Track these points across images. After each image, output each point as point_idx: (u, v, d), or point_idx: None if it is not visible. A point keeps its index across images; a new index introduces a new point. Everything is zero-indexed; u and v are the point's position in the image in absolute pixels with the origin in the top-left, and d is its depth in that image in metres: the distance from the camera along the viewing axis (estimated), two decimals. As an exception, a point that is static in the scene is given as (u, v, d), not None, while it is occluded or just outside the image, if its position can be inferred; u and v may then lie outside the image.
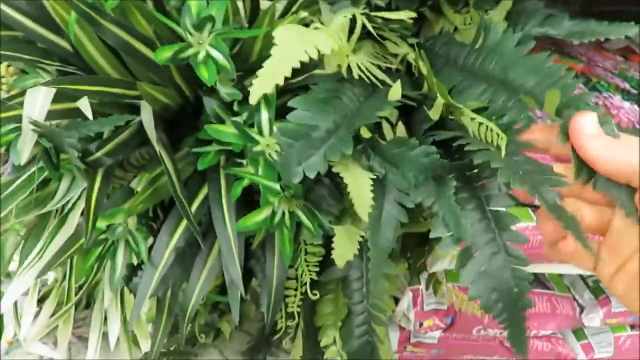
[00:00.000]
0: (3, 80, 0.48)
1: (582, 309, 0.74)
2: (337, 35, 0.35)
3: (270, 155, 0.36)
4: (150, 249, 0.40)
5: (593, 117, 0.29)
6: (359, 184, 0.36)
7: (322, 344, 0.45)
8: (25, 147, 0.35)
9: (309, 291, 0.42)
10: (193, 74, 0.42)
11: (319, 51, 0.33)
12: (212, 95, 0.43)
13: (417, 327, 0.64)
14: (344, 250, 0.38)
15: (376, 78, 0.38)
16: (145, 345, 0.51)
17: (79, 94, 0.36)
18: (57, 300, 0.55)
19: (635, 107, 0.52)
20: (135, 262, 0.41)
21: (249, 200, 0.41)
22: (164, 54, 0.32)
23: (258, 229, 0.39)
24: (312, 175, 0.33)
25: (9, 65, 0.49)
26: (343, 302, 0.45)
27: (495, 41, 0.38)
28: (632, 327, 0.77)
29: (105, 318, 0.54)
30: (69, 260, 0.54)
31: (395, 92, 0.35)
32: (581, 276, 0.77)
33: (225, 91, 0.38)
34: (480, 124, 0.31)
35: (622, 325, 0.75)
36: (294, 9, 0.38)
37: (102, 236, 0.40)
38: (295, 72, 0.35)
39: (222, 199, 0.40)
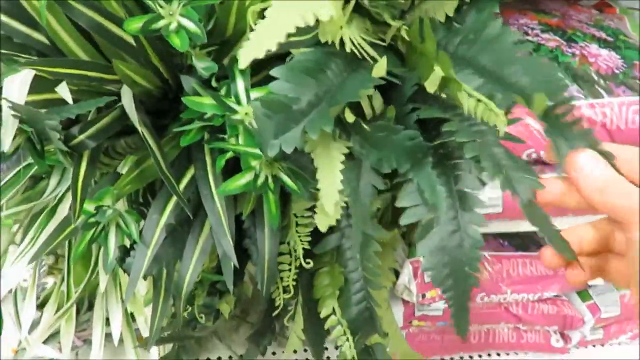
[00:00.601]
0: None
1: (584, 270, 0.74)
2: (335, 3, 0.35)
3: (250, 123, 0.36)
4: (141, 231, 0.41)
5: (589, 155, 0.29)
6: (330, 169, 0.36)
7: (322, 315, 0.46)
8: (7, 134, 0.35)
9: (302, 261, 0.43)
10: (170, 54, 0.43)
11: (316, 18, 0.32)
12: (190, 75, 0.43)
13: (420, 299, 0.64)
14: (326, 215, 0.38)
15: (367, 54, 0.38)
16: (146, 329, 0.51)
17: (58, 77, 0.36)
18: (57, 303, 0.55)
19: (613, 53, 0.53)
20: (128, 244, 0.41)
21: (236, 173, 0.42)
22: (134, 25, 0.32)
23: (243, 193, 0.39)
24: (289, 150, 0.32)
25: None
26: (339, 271, 0.45)
27: (493, 35, 0.38)
28: (637, 283, 0.77)
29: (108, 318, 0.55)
30: (66, 264, 0.54)
31: (380, 68, 0.35)
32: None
33: (202, 65, 0.38)
34: (478, 101, 0.32)
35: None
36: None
37: (92, 219, 0.40)
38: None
39: (209, 175, 0.40)
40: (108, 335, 0.56)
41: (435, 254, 0.32)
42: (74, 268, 0.54)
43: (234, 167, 0.40)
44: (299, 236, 0.43)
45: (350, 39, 0.37)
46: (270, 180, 0.37)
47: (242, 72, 0.35)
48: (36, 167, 0.47)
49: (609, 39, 0.55)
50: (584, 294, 0.77)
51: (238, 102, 0.36)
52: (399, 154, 0.34)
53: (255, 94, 0.37)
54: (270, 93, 0.33)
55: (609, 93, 0.50)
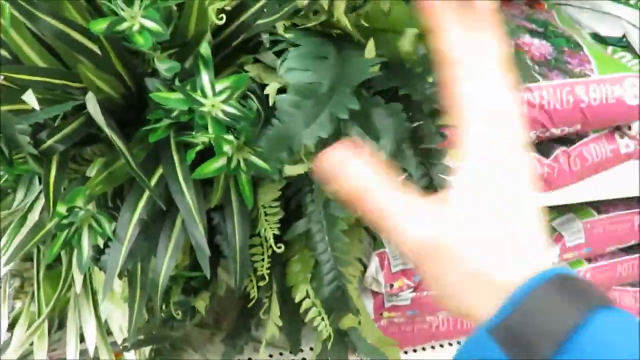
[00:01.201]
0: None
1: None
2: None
3: (216, 114, 0.39)
4: (114, 229, 0.42)
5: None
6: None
7: (296, 300, 0.48)
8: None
9: (273, 246, 0.45)
10: (132, 60, 0.45)
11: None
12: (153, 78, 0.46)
13: (388, 289, 0.67)
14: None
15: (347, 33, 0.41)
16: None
17: (24, 84, 0.38)
18: (28, 322, 0.55)
19: (544, 42, 0.58)
20: (101, 244, 0.43)
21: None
22: (99, 26, 0.35)
23: (211, 189, 0.42)
24: (325, 135, 0.34)
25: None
26: (309, 256, 0.48)
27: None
28: (589, 260, 0.83)
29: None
30: (35, 282, 0.55)
31: (370, 49, 0.39)
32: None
33: (164, 67, 0.41)
34: None
35: (579, 259, 0.81)
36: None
37: (65, 221, 0.41)
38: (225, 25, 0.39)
39: (177, 170, 0.42)
40: (82, 353, 0.56)
41: None
42: (43, 286, 0.54)
43: (200, 162, 0.43)
44: (268, 224, 0.45)
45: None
46: (242, 163, 0.39)
47: (205, 65, 0.38)
48: (1, 181, 0.48)
49: (539, 29, 0.60)
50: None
51: (204, 95, 0.38)
52: (396, 138, 0.38)
53: (220, 85, 0.39)
54: (238, 82, 0.36)
55: (544, 77, 0.56)
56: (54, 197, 0.38)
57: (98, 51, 0.42)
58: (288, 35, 0.40)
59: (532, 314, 0.25)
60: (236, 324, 0.58)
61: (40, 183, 0.49)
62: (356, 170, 0.29)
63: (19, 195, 0.49)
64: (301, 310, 0.48)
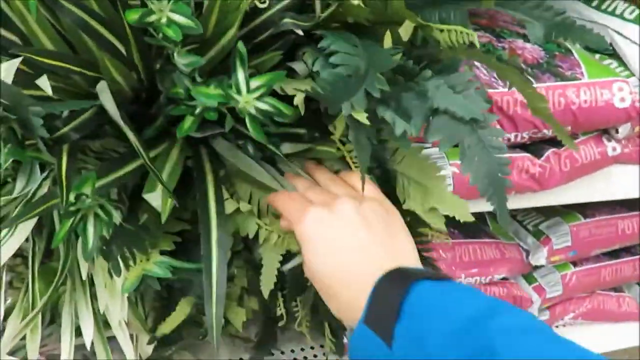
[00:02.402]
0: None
1: (527, 254, 0.85)
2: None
3: (249, 111, 0.43)
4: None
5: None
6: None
7: None
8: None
9: None
10: (149, 54, 0.48)
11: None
12: (167, 77, 0.49)
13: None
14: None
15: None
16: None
17: (44, 67, 0.41)
18: (21, 315, 0.57)
19: (536, 46, 0.65)
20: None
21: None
22: (132, 15, 0.38)
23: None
24: (362, 109, 0.42)
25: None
26: None
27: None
28: (574, 264, 0.89)
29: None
30: (30, 275, 0.57)
31: (388, 40, 0.45)
32: (521, 224, 0.89)
33: (184, 62, 0.45)
34: (449, 31, 0.42)
35: (565, 263, 0.88)
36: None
37: (72, 208, 0.44)
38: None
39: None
40: (76, 348, 0.58)
41: (475, 169, 0.42)
42: (37, 280, 0.57)
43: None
44: None
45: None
46: None
47: (242, 62, 0.42)
48: (3, 167, 0.50)
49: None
50: (529, 277, 0.88)
51: (238, 92, 0.43)
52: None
53: (255, 82, 0.43)
54: (273, 79, 0.41)
55: (537, 80, 0.61)
56: (67, 183, 0.41)
57: (116, 42, 0.46)
58: (320, 32, 0.45)
59: (380, 300, 0.40)
60: (262, 331, 0.62)
61: (42, 172, 0.52)
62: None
63: (19, 183, 0.52)
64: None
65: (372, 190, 0.49)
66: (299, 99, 0.48)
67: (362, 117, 0.42)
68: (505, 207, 0.42)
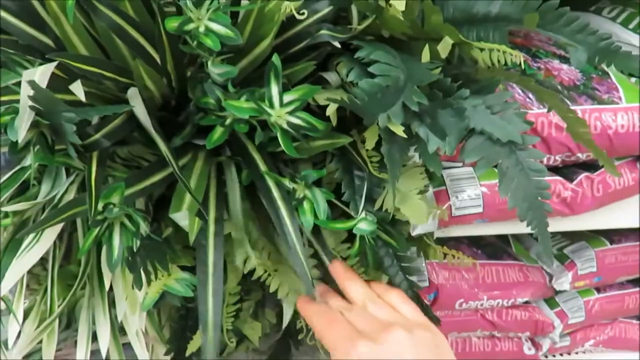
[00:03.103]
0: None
1: (551, 278, 0.83)
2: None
3: (281, 126, 0.43)
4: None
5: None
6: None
7: None
8: (22, 124, 0.39)
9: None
10: (182, 62, 0.48)
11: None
12: (198, 86, 0.49)
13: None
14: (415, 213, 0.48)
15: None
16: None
17: (79, 72, 0.41)
18: (38, 319, 0.57)
19: (572, 67, 0.63)
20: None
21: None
22: (172, 23, 0.38)
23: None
24: (399, 122, 0.41)
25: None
26: (374, 274, 0.52)
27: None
28: (598, 290, 0.87)
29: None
30: (49, 279, 0.56)
31: (426, 54, 0.45)
32: (546, 247, 0.87)
33: (218, 71, 0.44)
34: (491, 50, 0.41)
35: (589, 288, 0.86)
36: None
37: (99, 217, 0.44)
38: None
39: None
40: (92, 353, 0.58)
41: (514, 192, 0.41)
42: (57, 284, 0.56)
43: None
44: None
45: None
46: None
47: (276, 76, 0.41)
48: (28, 172, 0.50)
49: (567, 55, 0.65)
50: (551, 301, 0.86)
51: (271, 105, 0.42)
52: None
53: (288, 97, 0.43)
54: (307, 94, 0.40)
55: (573, 102, 0.60)
56: (96, 192, 0.41)
57: (150, 49, 0.45)
58: (356, 42, 0.44)
59: None
60: (277, 344, 0.61)
61: (67, 176, 0.51)
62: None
63: (45, 187, 0.52)
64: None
65: (414, 312, 0.47)
66: (331, 110, 0.47)
67: (399, 130, 0.41)
68: (546, 232, 0.41)
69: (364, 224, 0.48)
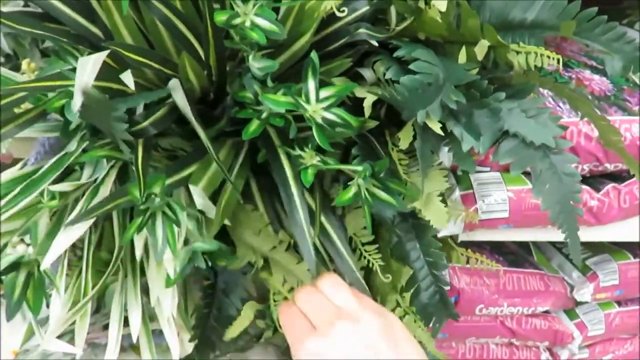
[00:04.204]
0: (24, 76, 0.54)
1: (572, 288, 0.83)
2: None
3: (316, 121, 0.44)
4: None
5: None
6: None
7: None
8: (76, 104, 0.40)
9: (381, 276, 0.51)
10: (223, 56, 0.49)
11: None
12: (236, 80, 0.50)
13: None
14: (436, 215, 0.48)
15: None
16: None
17: (128, 61, 0.42)
18: (71, 300, 0.58)
19: (604, 78, 0.64)
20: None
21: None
22: (221, 17, 0.39)
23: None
24: (437, 118, 0.42)
25: (30, 62, 0.54)
26: (396, 267, 0.53)
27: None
28: (619, 303, 0.87)
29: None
30: (85, 263, 0.58)
31: (463, 56, 0.46)
32: (567, 257, 0.87)
33: (259, 65, 0.45)
34: (527, 53, 0.41)
35: (610, 301, 0.85)
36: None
37: (142, 207, 0.45)
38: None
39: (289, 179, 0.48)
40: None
41: (547, 195, 0.42)
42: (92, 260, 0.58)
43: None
44: (369, 254, 0.52)
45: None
46: (367, 194, 0.45)
47: (314, 72, 0.43)
48: (74, 157, 0.51)
49: (599, 66, 0.66)
50: (571, 312, 0.86)
51: (307, 101, 0.43)
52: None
53: (325, 92, 0.44)
54: (343, 90, 0.41)
55: (603, 112, 0.60)
56: (144, 182, 0.42)
57: (195, 42, 0.47)
58: (395, 42, 0.46)
59: None
60: None
61: (107, 162, 0.53)
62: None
63: (87, 171, 0.53)
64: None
65: (365, 300, 0.47)
66: (368, 102, 0.48)
67: (436, 126, 0.42)
68: (576, 236, 0.42)
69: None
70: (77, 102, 0.40)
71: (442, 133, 0.42)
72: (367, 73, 0.52)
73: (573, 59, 0.67)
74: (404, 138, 0.47)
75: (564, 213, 0.42)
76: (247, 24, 0.41)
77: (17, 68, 0.55)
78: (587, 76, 0.63)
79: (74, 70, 0.46)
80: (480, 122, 0.44)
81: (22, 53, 0.55)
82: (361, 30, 0.49)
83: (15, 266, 0.45)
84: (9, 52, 0.56)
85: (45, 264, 0.43)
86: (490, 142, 0.43)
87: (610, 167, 0.62)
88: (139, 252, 0.50)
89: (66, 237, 0.44)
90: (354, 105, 0.51)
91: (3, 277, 0.45)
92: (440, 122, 0.43)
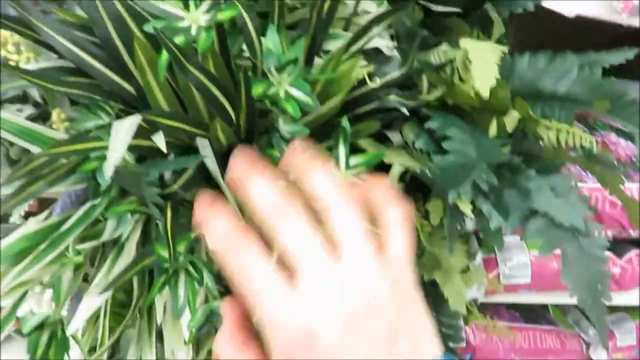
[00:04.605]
0: (54, 126, 0.54)
1: (587, 346, 0.82)
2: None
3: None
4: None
5: None
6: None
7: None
8: (108, 173, 0.41)
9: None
10: (254, 118, 0.49)
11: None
12: (263, 138, 0.50)
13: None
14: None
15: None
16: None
17: (161, 127, 0.43)
18: (89, 345, 0.58)
19: (630, 143, 0.63)
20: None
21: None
22: (259, 89, 0.39)
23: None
24: (468, 199, 0.42)
25: (60, 113, 0.55)
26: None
27: (523, 68, 0.48)
28: (636, 362, 0.86)
29: None
30: (102, 312, 0.58)
31: (493, 128, 0.45)
32: (584, 313, 0.86)
33: (289, 129, 0.45)
34: (559, 130, 0.41)
35: (627, 360, 0.84)
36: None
37: (167, 265, 0.45)
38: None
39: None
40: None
41: (574, 279, 0.42)
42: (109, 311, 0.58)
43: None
44: None
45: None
46: None
47: (344, 138, 0.43)
48: (98, 210, 0.52)
49: (625, 129, 0.65)
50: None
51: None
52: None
53: (354, 160, 0.44)
54: (373, 159, 0.41)
55: (628, 179, 0.60)
56: (173, 240, 0.42)
57: (227, 105, 0.47)
58: (425, 111, 0.46)
59: None
60: None
61: (132, 215, 0.53)
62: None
63: (110, 224, 0.53)
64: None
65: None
66: (395, 172, 0.48)
67: (467, 208, 0.42)
68: (605, 322, 0.41)
69: None
70: (109, 169, 0.40)
71: (472, 216, 0.42)
72: (395, 137, 0.52)
73: (599, 120, 0.67)
74: (435, 212, 0.47)
75: (591, 298, 0.41)
76: (282, 94, 0.41)
77: (46, 115, 0.56)
78: (613, 140, 0.63)
79: (104, 127, 0.47)
80: (510, 201, 0.43)
81: (51, 101, 0.56)
82: (391, 97, 0.49)
83: (39, 326, 0.45)
84: (38, 100, 0.57)
85: (72, 329, 0.43)
86: (518, 222, 0.43)
87: (634, 233, 0.62)
88: (159, 316, 0.50)
89: (93, 301, 0.44)
90: (378, 165, 0.51)
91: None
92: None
